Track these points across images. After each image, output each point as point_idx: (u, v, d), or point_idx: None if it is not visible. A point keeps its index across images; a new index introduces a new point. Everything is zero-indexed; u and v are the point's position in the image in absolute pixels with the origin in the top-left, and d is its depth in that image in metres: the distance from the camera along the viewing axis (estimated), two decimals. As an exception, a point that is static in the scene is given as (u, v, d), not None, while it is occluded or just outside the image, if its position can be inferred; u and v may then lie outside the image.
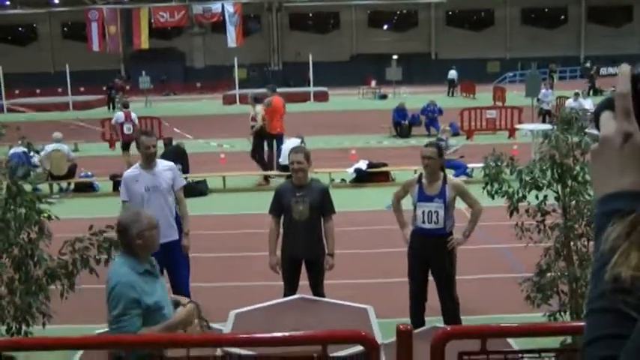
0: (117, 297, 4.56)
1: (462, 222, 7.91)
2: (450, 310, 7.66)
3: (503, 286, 9.37)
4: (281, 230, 7.86)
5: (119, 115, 21.43)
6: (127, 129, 20.68)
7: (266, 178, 18.65)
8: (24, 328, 6.80)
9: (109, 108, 45.40)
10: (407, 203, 7.95)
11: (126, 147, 20.08)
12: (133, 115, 21.31)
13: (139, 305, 4.54)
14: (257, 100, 19.42)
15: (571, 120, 6.87)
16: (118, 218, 4.90)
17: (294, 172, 7.78)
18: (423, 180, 7.60)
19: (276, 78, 58.46)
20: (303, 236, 7.57)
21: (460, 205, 7.85)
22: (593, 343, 1.28)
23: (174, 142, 19.28)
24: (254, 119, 18.92)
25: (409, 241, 7.78)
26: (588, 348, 1.29)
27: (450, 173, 8.22)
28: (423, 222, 7.51)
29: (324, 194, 7.81)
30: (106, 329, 6.74)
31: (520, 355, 3.55)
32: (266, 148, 18.93)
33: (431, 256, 7.57)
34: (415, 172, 9.04)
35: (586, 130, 6.97)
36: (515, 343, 5.52)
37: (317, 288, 7.84)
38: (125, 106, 22.20)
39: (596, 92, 41.11)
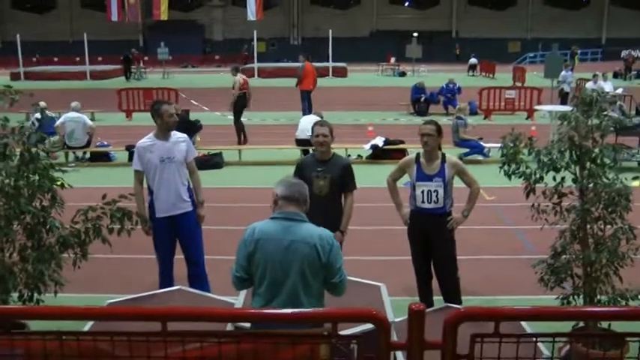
0: (338, 251, 4.91)
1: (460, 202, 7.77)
2: (451, 291, 7.56)
3: (515, 268, 9.31)
4: None
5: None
6: None
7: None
8: (36, 295, 6.78)
9: (126, 78, 45.49)
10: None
11: None
12: None
13: None
14: (237, 70, 20.87)
15: (591, 102, 6.75)
16: (295, 186, 5.11)
17: (319, 146, 7.58)
18: (422, 159, 7.47)
19: (296, 52, 58.23)
20: (322, 211, 7.26)
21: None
22: None
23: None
24: (235, 89, 20.11)
25: (408, 222, 7.68)
26: None
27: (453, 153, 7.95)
28: (423, 202, 7.39)
29: (346, 170, 7.62)
30: (118, 299, 6.77)
31: (534, 338, 3.48)
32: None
33: (431, 235, 7.48)
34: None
35: (606, 113, 6.85)
36: (527, 325, 5.47)
37: None
38: None
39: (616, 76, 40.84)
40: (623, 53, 48.00)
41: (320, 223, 7.58)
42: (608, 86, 25.18)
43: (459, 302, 7.39)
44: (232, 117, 20.46)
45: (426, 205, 7.38)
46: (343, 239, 7.60)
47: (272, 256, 4.79)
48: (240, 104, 20.18)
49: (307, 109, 23.36)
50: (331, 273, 4.79)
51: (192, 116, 19.52)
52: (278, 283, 4.77)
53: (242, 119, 20.46)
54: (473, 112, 24.97)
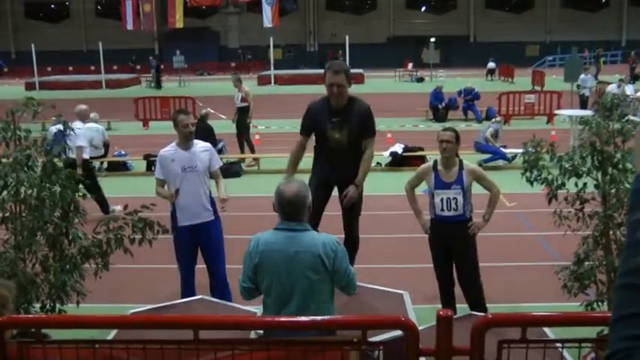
0: (343, 255, 4.85)
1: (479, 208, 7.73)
2: (476, 297, 7.51)
3: (538, 275, 9.26)
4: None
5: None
6: None
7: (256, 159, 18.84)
8: (58, 306, 6.81)
9: (158, 87, 45.27)
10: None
11: None
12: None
13: None
14: (240, 80, 19.43)
15: (612, 106, 6.72)
16: (292, 189, 5.03)
17: (333, 96, 7.00)
18: (439, 167, 7.43)
19: (312, 59, 58.34)
20: (341, 167, 7.08)
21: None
22: (622, 320, 1.25)
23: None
24: (245, 100, 18.85)
25: (429, 231, 7.63)
26: (617, 324, 1.26)
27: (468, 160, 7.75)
28: (442, 209, 7.35)
29: (367, 116, 7.15)
30: (140, 309, 6.79)
31: (560, 344, 3.48)
32: None
33: (453, 243, 7.45)
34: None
35: (628, 117, 6.81)
36: (550, 332, 5.44)
37: (351, 226, 7.52)
38: None
39: (637, 78, 40.36)
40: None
41: (338, 176, 6.99)
42: (629, 89, 24.91)
43: (484, 309, 7.34)
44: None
45: (446, 213, 7.35)
46: (355, 195, 7.10)
47: (278, 267, 4.80)
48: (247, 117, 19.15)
49: None
50: (339, 278, 4.80)
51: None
52: (286, 293, 4.79)
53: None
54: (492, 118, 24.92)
